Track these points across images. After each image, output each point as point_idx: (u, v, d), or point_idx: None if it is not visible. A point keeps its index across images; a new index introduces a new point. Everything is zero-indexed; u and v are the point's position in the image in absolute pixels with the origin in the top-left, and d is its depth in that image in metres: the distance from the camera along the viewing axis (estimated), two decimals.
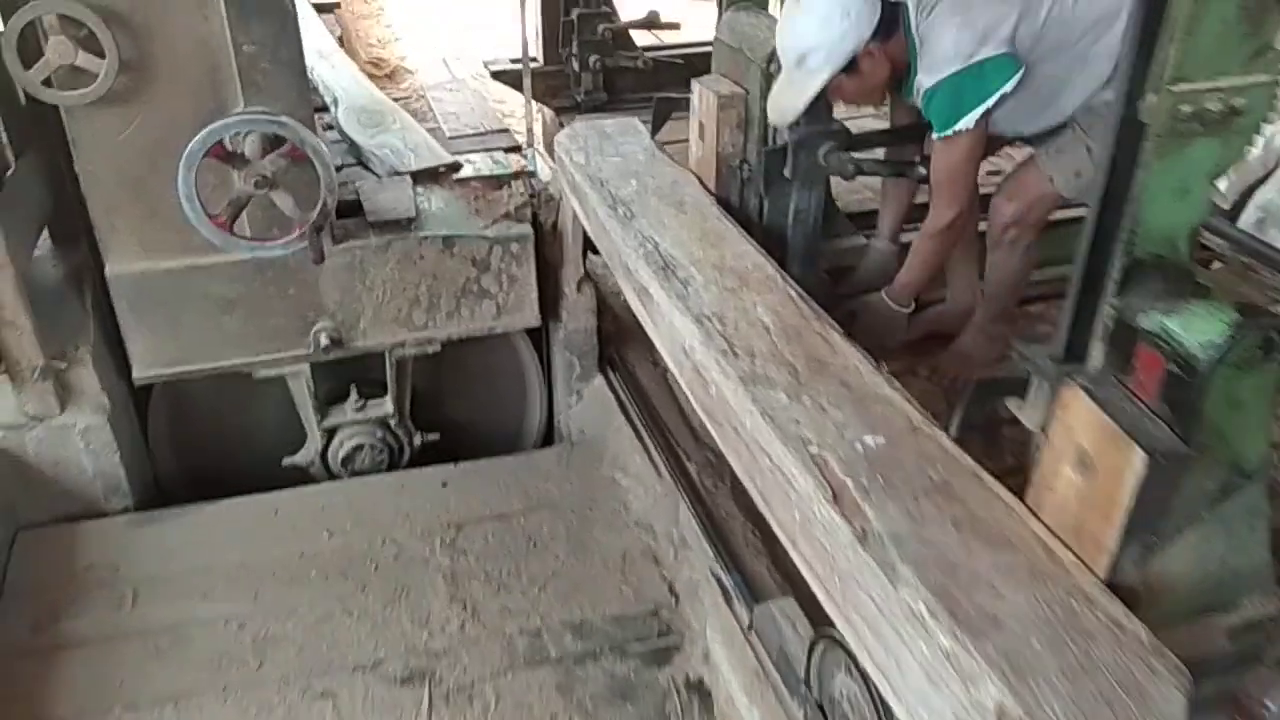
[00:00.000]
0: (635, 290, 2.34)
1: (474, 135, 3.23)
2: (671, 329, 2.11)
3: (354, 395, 2.76)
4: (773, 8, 2.74)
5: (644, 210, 2.45)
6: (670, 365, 2.19)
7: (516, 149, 3.15)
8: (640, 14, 4.29)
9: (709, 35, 4.71)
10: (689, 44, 4.44)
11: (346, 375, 2.75)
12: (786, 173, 2.50)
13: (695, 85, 2.66)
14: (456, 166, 2.94)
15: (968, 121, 2.20)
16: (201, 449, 2.76)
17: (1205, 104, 1.36)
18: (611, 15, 4.09)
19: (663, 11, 4.38)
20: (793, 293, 2.14)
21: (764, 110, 2.49)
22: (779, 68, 2.39)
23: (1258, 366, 1.36)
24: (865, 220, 3.23)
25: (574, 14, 4.03)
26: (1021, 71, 2.19)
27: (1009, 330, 2.75)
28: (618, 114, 4.14)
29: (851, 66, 2.29)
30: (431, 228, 2.60)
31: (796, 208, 2.56)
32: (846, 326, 2.46)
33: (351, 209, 2.62)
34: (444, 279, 2.63)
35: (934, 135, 2.30)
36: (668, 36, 4.57)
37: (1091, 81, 2.30)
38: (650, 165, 2.70)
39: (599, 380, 2.93)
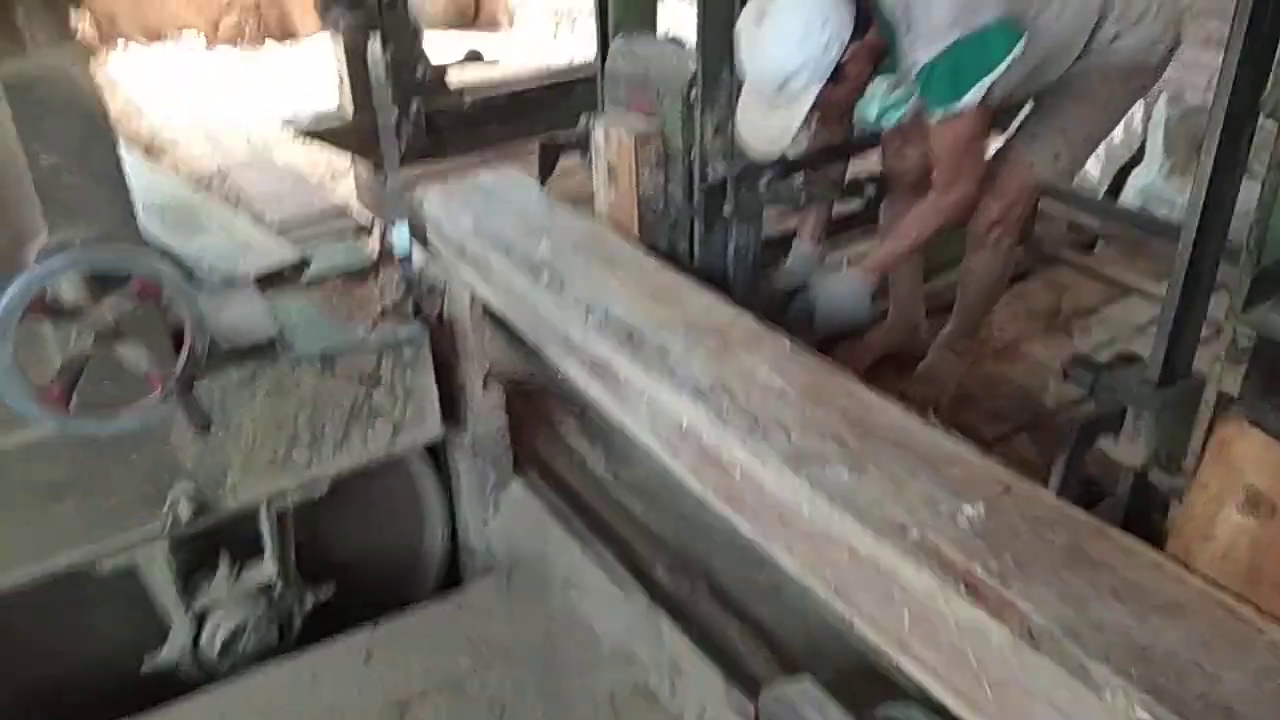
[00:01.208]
0: (588, 368, 2.03)
1: (308, 221, 2.75)
2: (656, 410, 1.82)
3: (225, 564, 2.23)
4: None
5: (573, 273, 2.13)
6: (659, 451, 1.89)
7: (367, 231, 2.71)
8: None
9: (518, 69, 4.44)
10: (508, 81, 4.12)
11: (212, 540, 2.23)
12: (726, 209, 2.26)
13: (598, 125, 2.38)
14: (304, 263, 2.47)
15: (971, 99, 2.02)
16: (31, 672, 2.15)
17: None
18: (426, 56, 3.68)
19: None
20: (787, 344, 1.92)
21: (684, 145, 2.25)
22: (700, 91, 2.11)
23: None
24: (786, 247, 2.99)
25: (387, 57, 3.58)
26: (1025, 38, 2.04)
27: (972, 344, 2.62)
28: (446, 162, 3.78)
29: (836, 74, 2.06)
30: (303, 345, 2.14)
31: (736, 245, 2.33)
32: (803, 324, 2.23)
33: None
34: (327, 405, 2.18)
35: (932, 117, 2.09)
36: (468, 74, 4.23)
37: (1065, 54, 2.20)
38: (555, 219, 2.40)
39: (517, 487, 2.53)
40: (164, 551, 2.11)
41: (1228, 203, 1.41)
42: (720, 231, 2.31)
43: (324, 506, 2.38)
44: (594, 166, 2.43)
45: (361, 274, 2.46)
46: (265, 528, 2.22)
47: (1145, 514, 1.60)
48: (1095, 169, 3.55)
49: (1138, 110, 3.86)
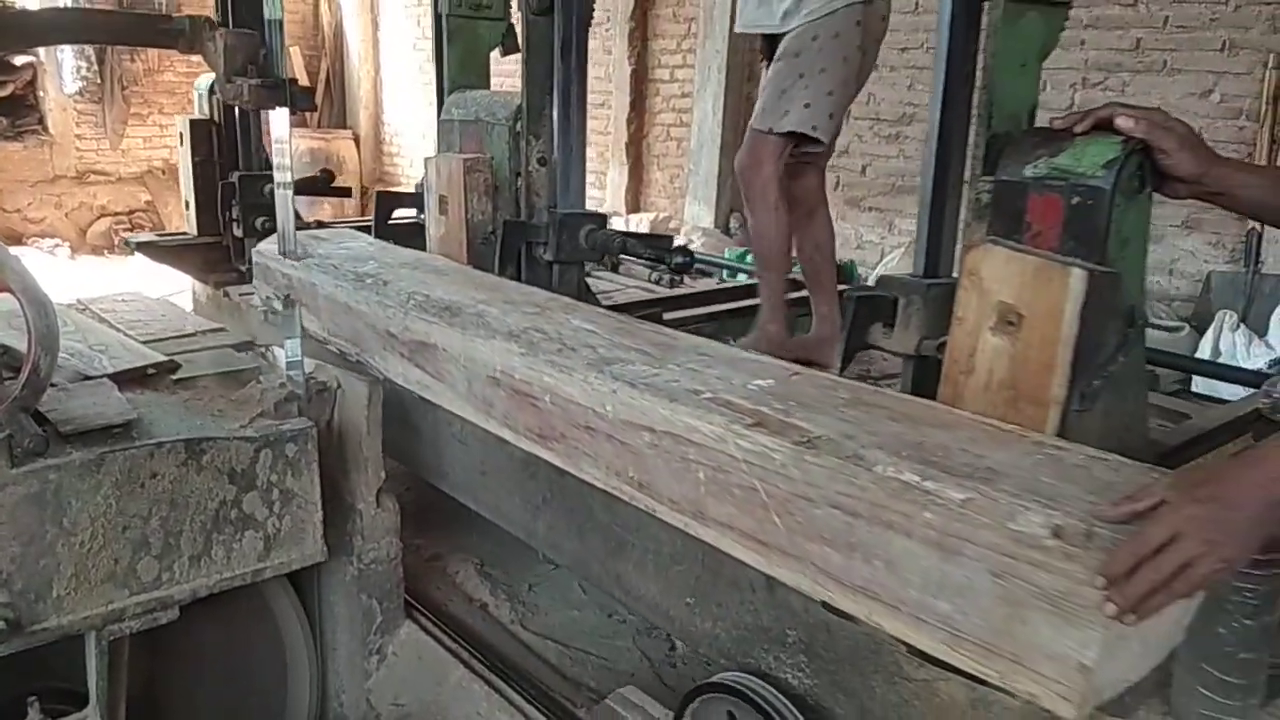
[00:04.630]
0: (407, 353, 2.03)
1: (180, 335, 2.49)
2: (471, 366, 1.85)
3: (35, 712, 1.79)
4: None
5: (398, 278, 2.23)
6: (474, 417, 1.89)
7: (246, 345, 2.47)
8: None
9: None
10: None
11: (19, 678, 1.81)
12: (547, 256, 2.43)
13: (429, 162, 2.63)
14: (173, 366, 2.21)
15: None
16: None
17: None
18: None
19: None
20: (602, 312, 2.03)
21: (511, 172, 2.52)
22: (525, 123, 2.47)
23: (1136, 198, 1.47)
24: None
25: (234, 176, 3.63)
26: None
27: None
28: None
29: None
30: (165, 431, 1.84)
31: (562, 278, 2.46)
32: None
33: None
34: (188, 506, 1.87)
35: None
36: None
37: None
38: (385, 251, 2.55)
39: (409, 629, 2.20)
40: None
41: (961, 120, 1.68)
42: (544, 271, 2.47)
43: (163, 649, 1.99)
44: (426, 206, 2.65)
45: (241, 379, 2.20)
46: (94, 662, 1.82)
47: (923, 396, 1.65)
48: None
49: None
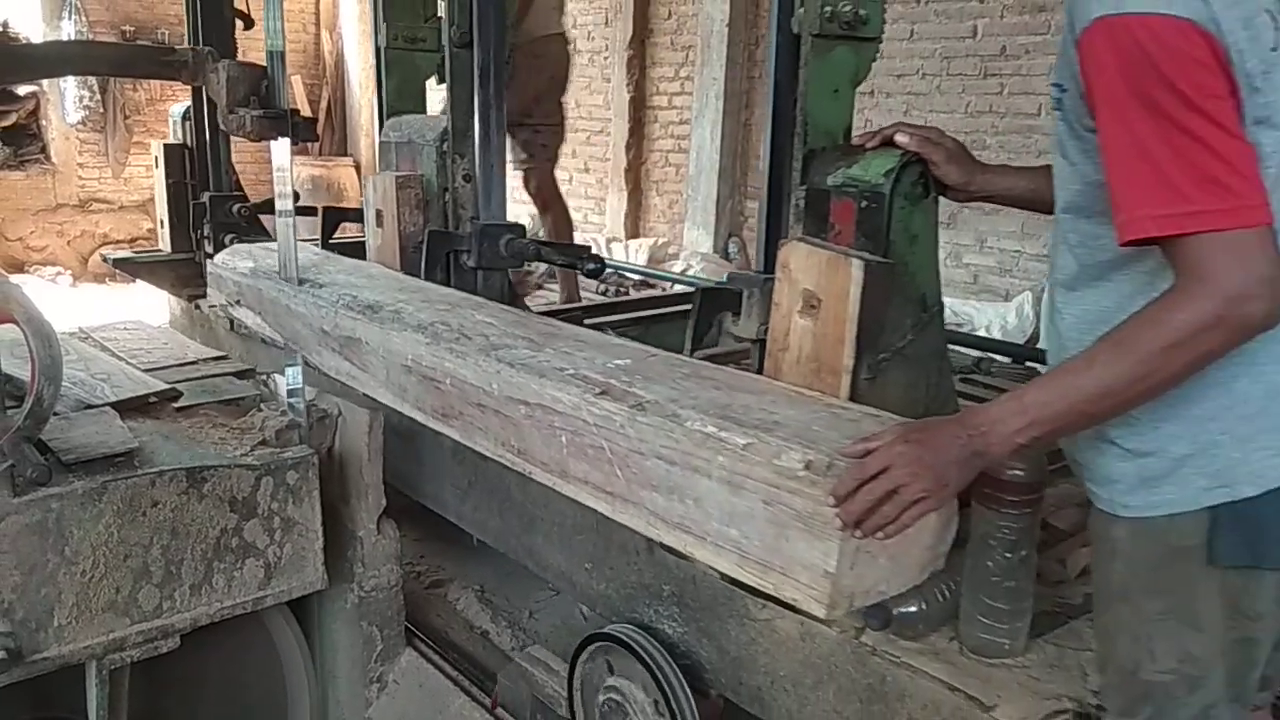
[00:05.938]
0: (338, 348, 2.26)
1: (182, 363, 2.50)
2: (389, 356, 2.08)
3: None
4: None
5: (333, 282, 2.47)
6: (391, 401, 2.11)
7: (247, 374, 2.48)
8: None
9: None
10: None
11: (20, 708, 1.81)
12: (470, 263, 2.59)
13: (368, 180, 2.87)
14: (174, 395, 2.22)
15: None
16: None
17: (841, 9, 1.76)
18: (244, 196, 3.94)
19: None
20: (505, 309, 2.28)
21: (440, 187, 2.75)
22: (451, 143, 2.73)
23: (921, 202, 1.69)
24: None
25: (205, 197, 3.84)
26: None
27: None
28: None
29: None
30: (167, 460, 1.85)
31: (487, 282, 2.62)
32: None
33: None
34: (189, 534, 1.87)
35: None
36: None
37: None
38: (327, 261, 2.77)
39: (410, 656, 2.19)
40: None
41: (790, 138, 1.82)
42: (469, 271, 2.63)
43: (164, 678, 1.98)
44: (366, 220, 2.87)
45: (243, 407, 2.21)
46: (94, 692, 1.81)
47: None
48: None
49: (1027, 300, 4.10)
